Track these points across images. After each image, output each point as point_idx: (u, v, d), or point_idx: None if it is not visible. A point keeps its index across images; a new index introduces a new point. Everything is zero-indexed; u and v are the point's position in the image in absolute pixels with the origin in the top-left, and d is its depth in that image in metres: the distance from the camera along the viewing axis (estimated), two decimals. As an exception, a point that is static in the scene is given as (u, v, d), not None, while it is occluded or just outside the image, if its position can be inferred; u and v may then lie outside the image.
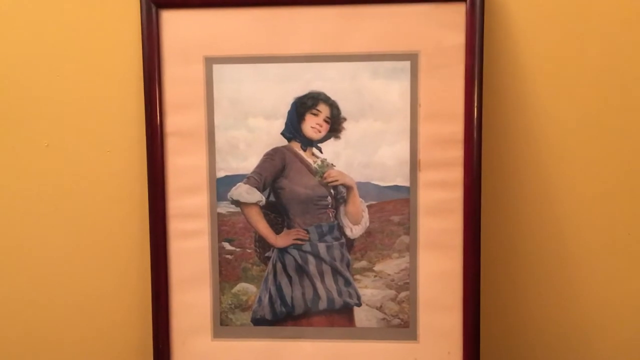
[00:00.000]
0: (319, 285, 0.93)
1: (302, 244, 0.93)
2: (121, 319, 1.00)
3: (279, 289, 0.94)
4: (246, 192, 0.92)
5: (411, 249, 0.92)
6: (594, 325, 0.98)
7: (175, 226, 0.93)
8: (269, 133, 0.92)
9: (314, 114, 0.91)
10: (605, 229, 0.96)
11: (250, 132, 0.92)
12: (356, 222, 0.93)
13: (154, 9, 0.90)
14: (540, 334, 0.99)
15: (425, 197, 0.91)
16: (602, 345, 0.98)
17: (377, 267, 0.93)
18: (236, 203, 0.93)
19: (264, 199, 0.93)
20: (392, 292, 0.93)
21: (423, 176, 0.91)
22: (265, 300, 0.94)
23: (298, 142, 0.92)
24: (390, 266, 0.93)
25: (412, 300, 0.93)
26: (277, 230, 0.93)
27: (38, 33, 0.95)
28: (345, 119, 0.91)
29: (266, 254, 0.94)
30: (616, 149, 0.94)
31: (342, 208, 0.93)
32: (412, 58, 0.89)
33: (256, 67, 0.91)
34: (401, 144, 0.90)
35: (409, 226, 0.92)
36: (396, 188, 0.91)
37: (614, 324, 0.98)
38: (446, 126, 0.89)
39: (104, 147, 0.97)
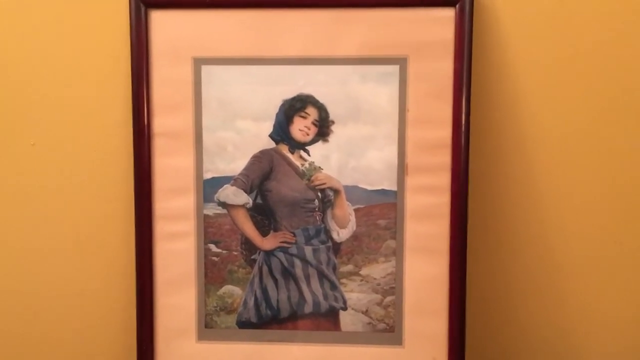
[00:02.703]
0: (304, 288, 0.93)
1: (288, 247, 0.93)
2: (105, 320, 1.00)
3: (264, 291, 0.93)
4: (233, 194, 0.92)
5: (397, 253, 0.92)
6: (580, 331, 0.98)
7: (161, 227, 0.93)
8: (257, 135, 0.92)
9: (303, 117, 0.91)
10: (593, 234, 0.96)
11: (238, 134, 0.92)
12: (343, 226, 0.92)
13: (143, 9, 0.89)
14: (526, 340, 0.99)
15: (412, 202, 0.91)
16: (588, 351, 0.99)
17: (363, 271, 0.93)
18: (223, 205, 0.92)
19: (250, 201, 0.92)
20: (378, 297, 0.93)
21: (410, 181, 0.90)
22: (251, 303, 0.94)
23: (286, 144, 0.92)
24: (377, 270, 0.92)
25: (398, 305, 0.92)
26: (264, 233, 0.93)
27: (25, 32, 0.95)
28: (333, 122, 0.91)
29: (252, 257, 0.93)
30: (605, 154, 0.94)
31: (329, 211, 0.92)
32: (401, 62, 0.89)
33: (245, 68, 0.91)
34: (389, 148, 0.90)
35: (395, 230, 0.91)
36: (383, 192, 0.91)
37: (600, 330, 0.98)
38: (434, 131, 0.89)
39: (90, 146, 0.96)
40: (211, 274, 0.94)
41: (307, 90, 0.90)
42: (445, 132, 0.89)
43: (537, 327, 0.98)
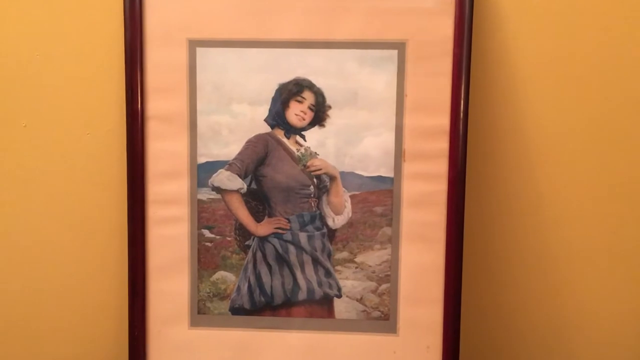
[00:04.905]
0: (299, 275, 0.92)
1: (283, 233, 0.92)
2: (97, 305, 0.99)
3: (258, 278, 0.92)
4: (227, 179, 0.91)
5: (393, 241, 0.91)
6: (574, 321, 0.98)
7: (154, 212, 0.91)
8: (253, 119, 0.90)
9: (299, 101, 0.90)
10: (589, 225, 0.95)
11: (233, 118, 0.90)
12: (338, 212, 0.91)
13: (137, -11, 0.88)
14: (521, 329, 0.99)
15: (409, 189, 0.90)
16: (582, 341, 0.98)
17: (358, 259, 0.92)
18: (217, 190, 0.91)
19: (245, 187, 0.91)
20: (373, 284, 0.92)
21: (407, 167, 0.89)
22: (244, 289, 0.93)
23: (282, 129, 0.91)
24: (372, 258, 0.92)
25: (393, 293, 0.91)
26: (258, 219, 0.92)
27: (17, 13, 0.93)
28: (330, 107, 0.90)
29: (246, 243, 0.92)
30: (602, 145, 0.93)
31: (324, 197, 0.91)
32: (400, 47, 0.88)
33: (241, 51, 0.89)
34: (386, 134, 0.89)
35: (391, 218, 0.90)
36: (380, 179, 0.90)
37: (594, 321, 0.98)
38: (432, 117, 0.88)
39: (83, 129, 0.95)
40: (204, 259, 0.92)
41: (303, 74, 0.89)
42: (443, 119, 0.88)
43: (532, 317, 0.98)
